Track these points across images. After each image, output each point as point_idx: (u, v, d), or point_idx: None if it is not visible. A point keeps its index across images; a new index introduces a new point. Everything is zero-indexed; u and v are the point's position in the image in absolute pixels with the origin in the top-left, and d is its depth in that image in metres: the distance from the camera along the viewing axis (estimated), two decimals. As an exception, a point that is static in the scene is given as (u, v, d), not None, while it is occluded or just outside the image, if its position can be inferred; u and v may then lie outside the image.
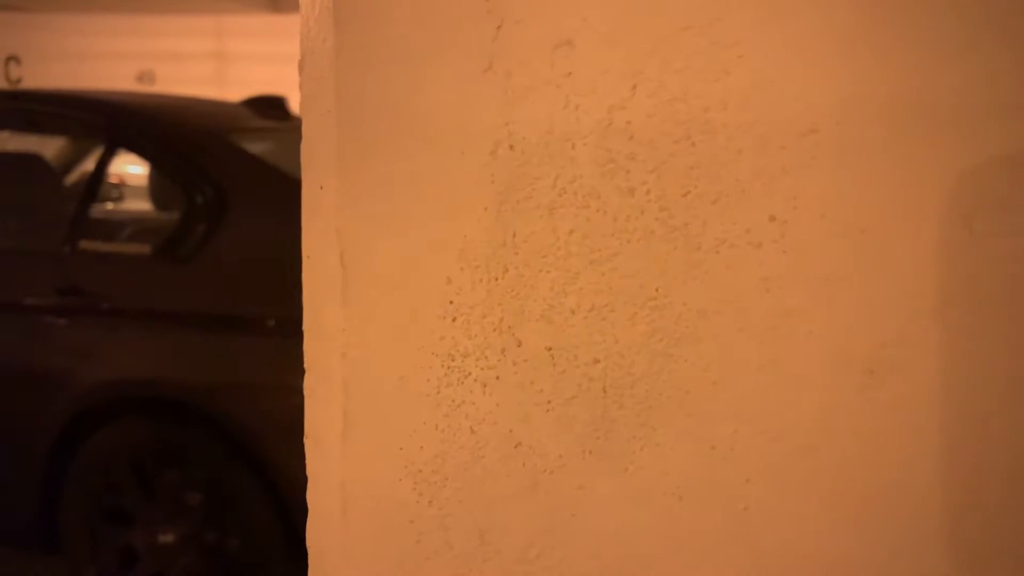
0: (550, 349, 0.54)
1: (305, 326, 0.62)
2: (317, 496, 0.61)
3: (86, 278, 1.91)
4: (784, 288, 0.50)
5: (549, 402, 0.54)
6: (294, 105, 2.68)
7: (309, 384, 0.62)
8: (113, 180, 3.24)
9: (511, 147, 0.53)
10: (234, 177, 1.92)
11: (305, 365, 0.62)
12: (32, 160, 2.35)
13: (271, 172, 1.98)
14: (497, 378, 0.55)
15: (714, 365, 0.52)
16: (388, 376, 0.57)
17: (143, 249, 2.12)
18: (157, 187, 2.54)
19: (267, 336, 1.75)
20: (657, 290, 0.52)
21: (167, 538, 1.80)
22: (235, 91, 2.92)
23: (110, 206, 3.29)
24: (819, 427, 0.51)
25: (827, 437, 0.51)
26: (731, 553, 0.53)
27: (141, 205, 2.94)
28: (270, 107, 2.48)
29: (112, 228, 2.49)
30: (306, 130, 0.60)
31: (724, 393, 0.52)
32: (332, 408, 0.59)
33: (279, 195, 1.92)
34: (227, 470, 1.74)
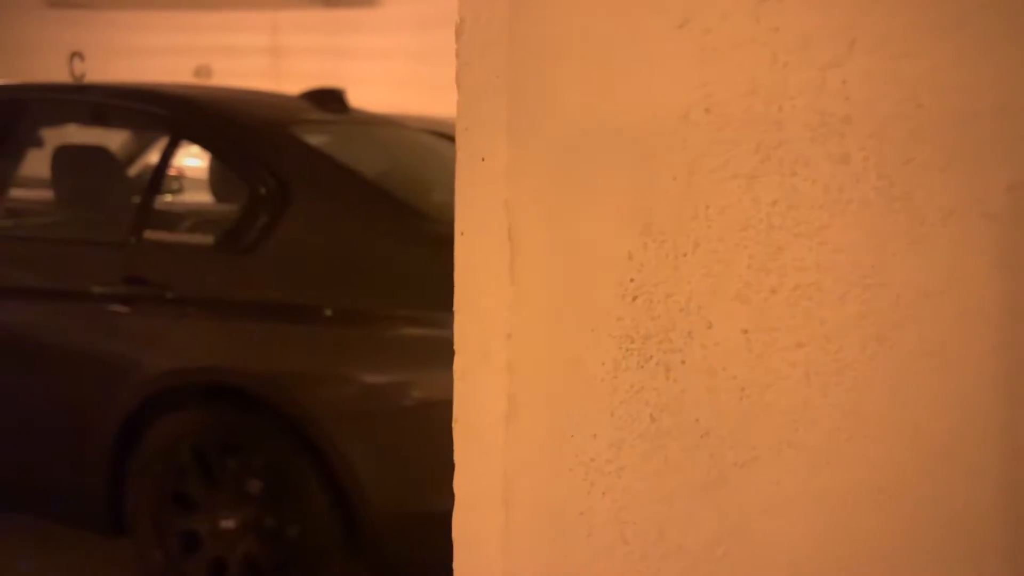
0: (746, 332, 0.50)
1: (457, 306, 0.58)
2: (470, 485, 0.58)
3: (151, 268, 1.92)
4: (1022, 265, 0.45)
5: (743, 389, 0.50)
6: (351, 98, 2.67)
7: (461, 367, 0.58)
8: (175, 172, 3.26)
9: (706, 110, 0.49)
10: (296, 169, 1.92)
11: (456, 347, 0.59)
12: (98, 152, 2.37)
13: (332, 164, 1.97)
14: (683, 362, 0.51)
15: (937, 351, 0.47)
16: (559, 359, 0.53)
17: (206, 240, 2.13)
18: (219, 179, 2.55)
19: (326, 326, 1.74)
20: (872, 267, 0.47)
21: (228, 524, 1.80)
22: (290, 85, 2.92)
23: (174, 197, 3.32)
24: (1057, 420, 0.46)
25: (1065, 432, 0.46)
26: (946, 558, 0.48)
27: (203, 196, 2.95)
28: (329, 100, 2.47)
29: (176, 219, 2.51)
30: (465, 98, 0.56)
31: (948, 382, 0.47)
32: (493, 392, 0.56)
33: (340, 187, 1.91)
34: (287, 458, 1.73)
